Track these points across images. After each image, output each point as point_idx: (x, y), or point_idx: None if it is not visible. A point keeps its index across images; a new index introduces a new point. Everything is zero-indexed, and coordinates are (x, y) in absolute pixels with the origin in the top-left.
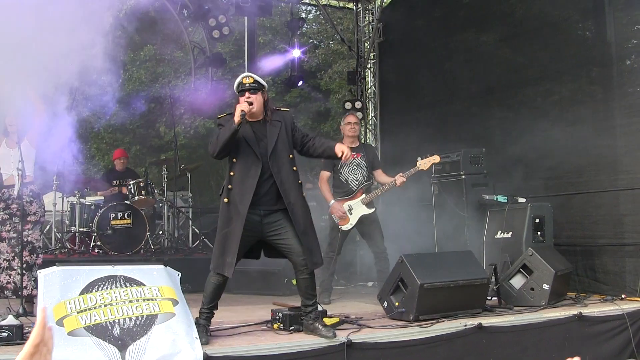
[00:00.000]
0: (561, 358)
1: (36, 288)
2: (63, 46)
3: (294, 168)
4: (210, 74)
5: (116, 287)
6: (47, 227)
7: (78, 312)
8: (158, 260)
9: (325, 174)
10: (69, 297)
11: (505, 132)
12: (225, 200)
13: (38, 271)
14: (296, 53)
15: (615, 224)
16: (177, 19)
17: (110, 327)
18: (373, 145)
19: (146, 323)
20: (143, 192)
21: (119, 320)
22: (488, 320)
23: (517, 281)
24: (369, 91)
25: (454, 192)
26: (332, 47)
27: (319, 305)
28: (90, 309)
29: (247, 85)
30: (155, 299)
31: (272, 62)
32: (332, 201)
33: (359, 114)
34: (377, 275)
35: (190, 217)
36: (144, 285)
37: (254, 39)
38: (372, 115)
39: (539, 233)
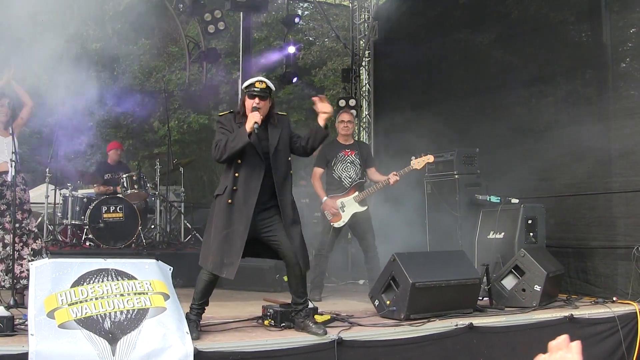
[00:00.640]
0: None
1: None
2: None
3: (290, 172)
4: (205, 69)
5: (108, 280)
6: (40, 219)
7: (69, 305)
8: (150, 254)
9: (319, 171)
10: (60, 289)
11: (499, 133)
12: (229, 201)
13: (30, 263)
14: (291, 49)
15: (607, 227)
16: (173, 13)
17: (101, 321)
18: (367, 143)
19: (137, 317)
20: (136, 186)
21: (110, 313)
22: (479, 321)
23: (509, 282)
24: (364, 89)
25: (447, 191)
26: (327, 45)
27: (309, 303)
28: (81, 302)
29: (259, 90)
30: (147, 293)
31: (266, 58)
32: (325, 198)
33: (353, 112)
34: (368, 274)
35: (182, 211)
36: (136, 279)
37: (249, 35)
38: (366, 113)
39: (531, 234)
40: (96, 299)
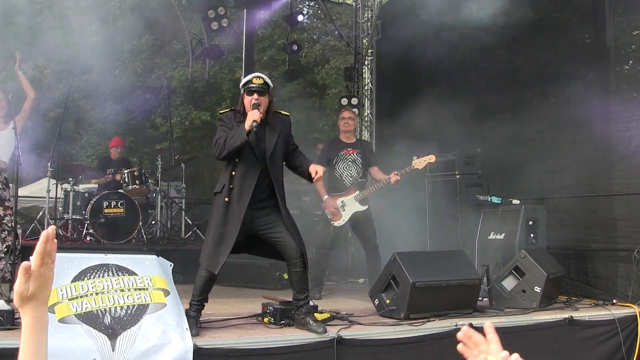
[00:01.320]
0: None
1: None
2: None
3: (295, 165)
4: (207, 66)
5: (108, 275)
6: (40, 214)
7: (69, 300)
8: (150, 250)
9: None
10: (61, 284)
11: (501, 133)
12: (226, 199)
13: (30, 257)
14: (294, 47)
15: (608, 229)
16: (177, 10)
17: (101, 316)
18: (369, 142)
19: (137, 312)
20: (137, 182)
21: (110, 308)
22: (479, 321)
23: (509, 283)
24: (366, 88)
25: (448, 191)
26: (330, 43)
27: (310, 300)
28: (81, 297)
29: (257, 86)
30: (147, 289)
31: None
32: (326, 197)
33: (355, 110)
34: (368, 273)
35: (183, 207)
36: (136, 274)
37: (252, 33)
38: (368, 112)
39: (532, 235)
40: (96, 294)
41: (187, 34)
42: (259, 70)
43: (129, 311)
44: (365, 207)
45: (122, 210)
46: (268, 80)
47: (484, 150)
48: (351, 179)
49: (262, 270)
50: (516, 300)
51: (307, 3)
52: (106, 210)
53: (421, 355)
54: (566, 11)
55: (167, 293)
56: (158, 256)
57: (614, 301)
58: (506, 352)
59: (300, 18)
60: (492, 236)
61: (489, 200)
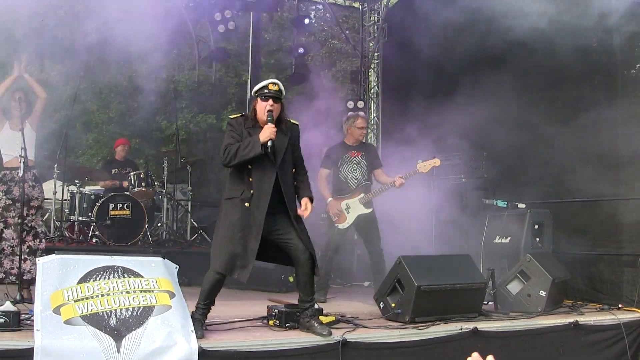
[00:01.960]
0: None
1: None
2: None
3: (294, 183)
4: (214, 69)
5: (114, 277)
6: (47, 215)
7: (75, 301)
8: (156, 252)
9: (324, 172)
10: (67, 285)
11: (507, 137)
12: (247, 204)
13: (37, 259)
14: (300, 50)
15: (614, 233)
16: (183, 12)
17: (106, 317)
18: (374, 145)
19: (142, 314)
20: (143, 184)
21: (115, 310)
22: (484, 325)
23: (514, 287)
24: (372, 91)
25: (453, 195)
26: (336, 46)
27: (315, 303)
28: (87, 299)
29: (272, 92)
30: (152, 291)
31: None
32: (330, 199)
33: (361, 113)
34: (373, 276)
35: (189, 210)
36: (142, 276)
37: (258, 36)
38: (374, 115)
39: (537, 239)
40: (102, 295)
41: (193, 37)
42: (266, 74)
43: (135, 313)
44: (370, 209)
45: (128, 212)
46: (282, 88)
47: (490, 154)
48: (356, 181)
49: (267, 273)
50: (521, 304)
51: (314, 6)
52: (112, 212)
53: (426, 358)
54: (572, 15)
55: (172, 295)
56: (164, 258)
57: (620, 306)
58: None
59: (306, 21)
60: (497, 240)
61: (495, 204)
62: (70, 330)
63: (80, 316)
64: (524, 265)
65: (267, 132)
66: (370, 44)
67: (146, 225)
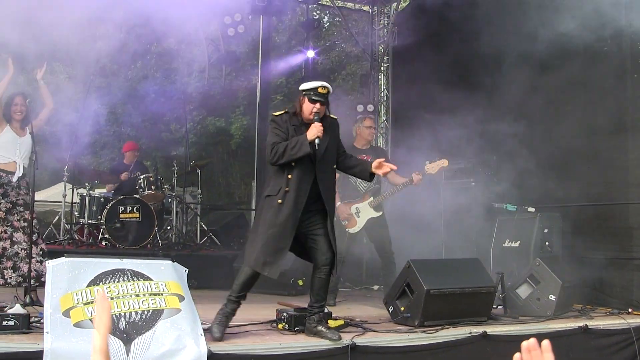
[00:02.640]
0: None
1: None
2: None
3: (337, 176)
4: (223, 72)
5: (123, 280)
6: (57, 218)
7: (85, 304)
8: (165, 255)
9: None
10: (76, 288)
11: (517, 141)
12: (280, 201)
13: (46, 262)
14: (310, 54)
15: (624, 237)
16: (193, 15)
17: (116, 320)
18: (383, 148)
19: (152, 318)
20: (153, 187)
21: (125, 313)
22: (493, 329)
23: (524, 291)
24: (382, 94)
25: (463, 199)
26: (346, 49)
27: (324, 308)
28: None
29: (321, 96)
30: (162, 294)
31: (286, 63)
32: (339, 203)
33: (371, 117)
34: (383, 279)
35: (198, 213)
36: (151, 280)
37: (268, 39)
38: (384, 118)
39: (547, 243)
40: (112, 298)
41: (203, 40)
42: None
43: (144, 316)
44: (380, 213)
45: (137, 215)
46: (331, 89)
47: (500, 158)
48: (365, 185)
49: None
50: (531, 308)
51: (324, 10)
52: (122, 215)
53: None
54: (581, 17)
55: (181, 298)
56: (173, 261)
57: (629, 310)
58: None
59: (316, 25)
60: (507, 244)
61: (505, 207)
62: (79, 333)
63: (89, 319)
64: (533, 269)
65: (315, 131)
66: (380, 48)
67: (156, 229)
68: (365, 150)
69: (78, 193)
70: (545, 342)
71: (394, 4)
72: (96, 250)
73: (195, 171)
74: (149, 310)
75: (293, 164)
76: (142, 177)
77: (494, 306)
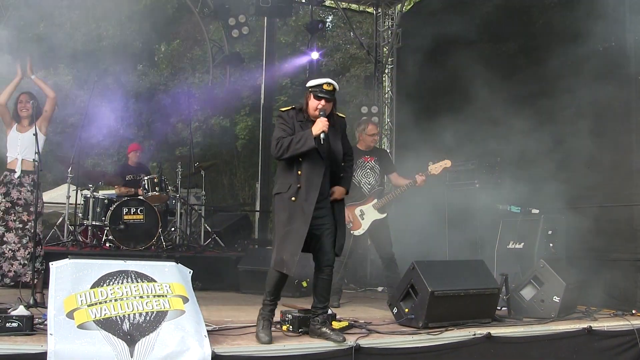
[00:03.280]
0: None
1: (36, 279)
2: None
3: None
4: (228, 73)
5: (127, 282)
6: (60, 219)
7: (88, 306)
8: (169, 257)
9: None
10: (80, 290)
11: (521, 143)
12: (293, 199)
13: (50, 263)
14: (314, 55)
15: (628, 239)
16: (197, 17)
17: (120, 322)
18: (387, 150)
19: (156, 319)
20: (157, 188)
21: (128, 315)
22: (497, 331)
23: (528, 292)
24: (386, 96)
25: (467, 200)
26: (350, 51)
27: (329, 309)
28: (100, 303)
29: (326, 92)
30: (166, 296)
31: (290, 64)
32: None
33: (375, 119)
34: (387, 281)
35: (202, 214)
36: (155, 281)
37: (273, 40)
38: (388, 120)
39: (551, 245)
40: (115, 300)
41: (207, 42)
42: (280, 78)
43: (148, 318)
44: (384, 214)
45: (141, 216)
46: (337, 86)
47: (504, 159)
48: (369, 186)
49: None
50: (535, 309)
51: (328, 11)
52: (126, 217)
53: None
54: (587, 21)
55: (185, 300)
56: (177, 263)
57: (633, 311)
58: None
59: (321, 26)
60: (511, 245)
61: (509, 209)
62: (83, 335)
63: (93, 321)
64: (537, 270)
65: (320, 125)
66: (385, 49)
67: (160, 230)
68: (368, 152)
69: (82, 194)
70: None
71: (399, 6)
72: (100, 252)
73: (199, 172)
74: (152, 312)
75: (301, 159)
76: (146, 178)
77: (498, 308)
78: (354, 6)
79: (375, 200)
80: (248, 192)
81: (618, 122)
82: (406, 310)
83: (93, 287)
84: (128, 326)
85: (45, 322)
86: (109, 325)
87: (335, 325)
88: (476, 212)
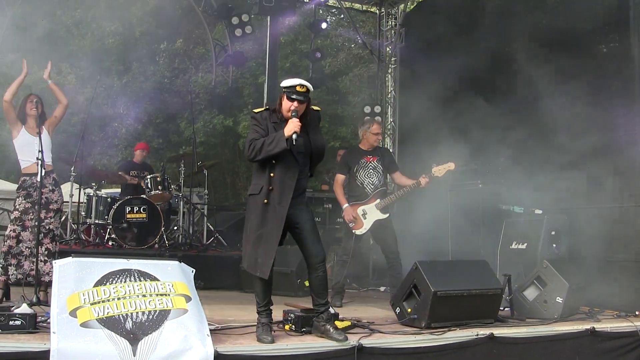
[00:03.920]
0: None
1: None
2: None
3: (343, 178)
4: (230, 72)
5: (130, 280)
6: (63, 218)
7: (91, 304)
8: (172, 255)
9: (341, 177)
10: (83, 288)
11: (524, 143)
12: (265, 201)
13: (53, 262)
14: (317, 55)
15: (632, 240)
16: (200, 16)
17: (122, 321)
18: (390, 149)
19: (159, 318)
20: (160, 187)
21: (131, 314)
22: (500, 331)
23: (531, 293)
24: (389, 96)
25: (470, 200)
26: (353, 51)
27: (331, 308)
28: (103, 302)
29: (298, 94)
30: (169, 295)
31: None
32: (346, 205)
33: (378, 118)
34: (390, 281)
35: (205, 213)
36: (158, 280)
37: (275, 40)
38: (391, 120)
39: (554, 245)
40: (118, 299)
41: (210, 41)
42: (282, 77)
43: (151, 316)
44: (387, 215)
45: (144, 215)
46: (310, 87)
47: (508, 160)
48: (372, 186)
49: (283, 277)
50: (538, 310)
51: (331, 11)
52: (129, 216)
53: None
54: (592, 21)
55: (188, 299)
56: (180, 262)
57: (637, 313)
58: None
59: (323, 26)
60: (514, 246)
61: (512, 209)
62: (86, 333)
63: (96, 319)
64: (540, 271)
65: (292, 126)
66: (388, 49)
67: (162, 229)
68: (371, 151)
69: (85, 193)
70: None
71: (402, 5)
72: (103, 251)
73: (202, 171)
74: (155, 311)
75: (274, 161)
76: (149, 177)
77: (501, 308)
78: (357, 6)
79: (378, 200)
80: None
81: (623, 123)
82: (409, 310)
83: (96, 285)
84: (131, 325)
85: (48, 321)
86: (111, 323)
87: (338, 324)
88: (479, 212)
